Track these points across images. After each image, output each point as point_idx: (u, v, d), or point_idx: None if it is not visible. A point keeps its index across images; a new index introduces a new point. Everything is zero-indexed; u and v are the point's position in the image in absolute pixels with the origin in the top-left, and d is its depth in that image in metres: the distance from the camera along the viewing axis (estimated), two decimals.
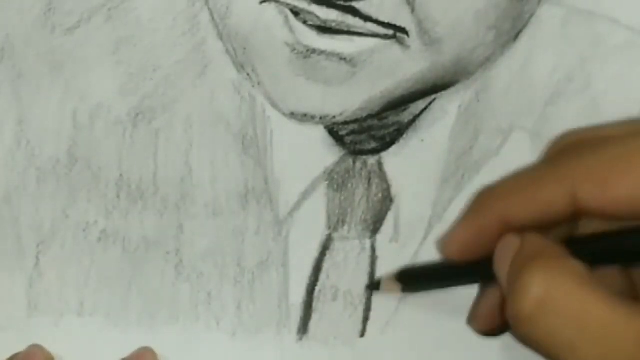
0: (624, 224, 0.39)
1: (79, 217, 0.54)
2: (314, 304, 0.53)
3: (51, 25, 0.54)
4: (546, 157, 0.41)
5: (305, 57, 0.52)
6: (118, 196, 0.54)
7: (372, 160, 0.54)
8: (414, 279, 0.45)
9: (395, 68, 0.52)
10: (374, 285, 0.47)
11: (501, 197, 0.41)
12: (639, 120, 0.41)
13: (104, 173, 0.54)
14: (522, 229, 0.40)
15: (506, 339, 0.41)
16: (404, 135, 0.54)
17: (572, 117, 0.53)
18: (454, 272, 0.43)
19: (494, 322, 0.43)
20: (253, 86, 0.54)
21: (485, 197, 0.41)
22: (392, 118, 0.54)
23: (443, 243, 0.42)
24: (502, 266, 0.40)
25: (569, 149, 0.40)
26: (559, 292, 0.36)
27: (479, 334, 0.44)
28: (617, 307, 0.36)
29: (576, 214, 0.39)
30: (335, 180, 0.54)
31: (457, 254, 0.42)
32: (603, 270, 0.41)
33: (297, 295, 0.53)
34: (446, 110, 0.54)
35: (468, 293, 0.44)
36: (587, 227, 0.41)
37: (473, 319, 0.44)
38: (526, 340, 0.37)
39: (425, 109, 0.54)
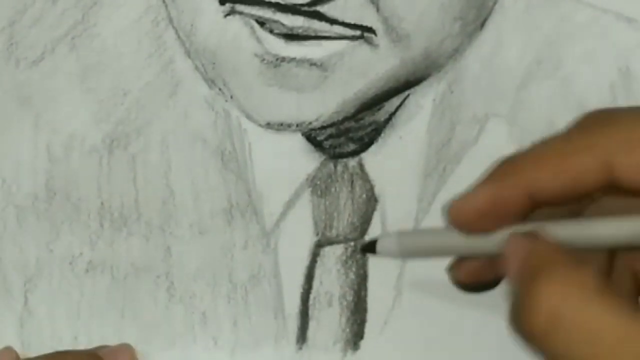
0: None
1: (63, 251, 0.53)
2: (310, 312, 0.53)
3: (15, 59, 0.54)
4: (575, 127, 0.39)
5: (275, 66, 0.52)
6: (101, 225, 0.53)
7: (352, 162, 0.54)
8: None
9: (366, 68, 0.52)
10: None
11: (527, 166, 0.38)
12: None
13: (85, 203, 0.53)
14: (545, 201, 0.38)
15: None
16: (382, 134, 0.54)
17: (545, 99, 0.53)
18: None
19: (476, 278, 0.41)
20: (226, 100, 0.53)
21: (509, 165, 0.38)
22: (368, 118, 0.54)
23: (453, 210, 0.39)
24: (512, 269, 0.38)
25: (602, 119, 0.38)
26: (572, 306, 0.35)
27: (457, 286, 0.42)
28: (633, 318, 0.35)
29: (608, 187, 0.37)
30: (318, 186, 0.54)
31: (468, 223, 0.39)
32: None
33: (292, 305, 0.53)
34: (421, 105, 0.54)
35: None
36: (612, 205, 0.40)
37: (455, 268, 0.42)
38: (540, 353, 0.36)
39: (400, 105, 0.54)
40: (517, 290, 0.37)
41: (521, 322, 0.36)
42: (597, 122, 0.38)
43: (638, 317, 0.35)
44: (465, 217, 0.39)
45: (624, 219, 0.39)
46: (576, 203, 0.39)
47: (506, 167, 0.39)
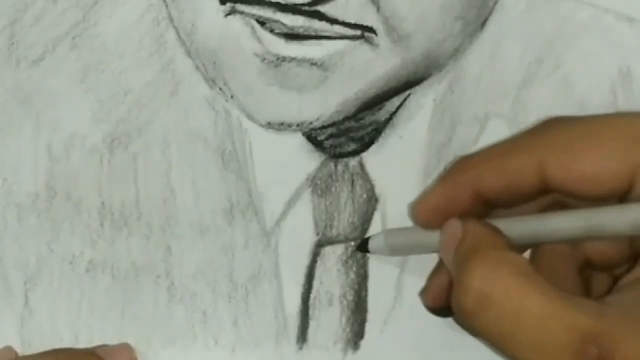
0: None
1: (64, 250, 0.53)
2: (310, 312, 0.53)
3: (15, 59, 0.54)
4: (523, 131, 0.42)
5: (276, 66, 0.52)
6: (102, 225, 0.53)
7: (353, 162, 0.54)
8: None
9: (367, 68, 0.52)
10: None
11: (473, 165, 0.41)
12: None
13: (85, 203, 0.53)
14: (493, 200, 0.41)
15: None
16: (382, 134, 0.54)
17: (545, 99, 0.53)
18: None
19: (441, 302, 0.44)
20: (227, 100, 0.53)
21: (459, 165, 0.42)
22: (368, 118, 0.54)
23: (414, 208, 0.43)
24: (446, 253, 0.41)
25: (547, 124, 0.41)
26: (497, 287, 0.37)
27: (428, 311, 0.44)
28: (552, 299, 0.37)
29: (544, 188, 0.40)
30: (319, 185, 0.54)
31: (426, 220, 0.42)
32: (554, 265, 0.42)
33: (293, 304, 0.53)
34: (421, 105, 0.54)
35: None
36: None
37: (424, 293, 0.45)
38: (470, 331, 0.39)
39: (400, 105, 0.54)
40: (453, 271, 0.39)
41: (455, 302, 0.38)
42: (542, 126, 0.41)
43: (560, 298, 0.37)
44: (423, 214, 0.42)
45: (575, 212, 0.40)
46: (521, 204, 0.41)
47: (457, 167, 0.42)
